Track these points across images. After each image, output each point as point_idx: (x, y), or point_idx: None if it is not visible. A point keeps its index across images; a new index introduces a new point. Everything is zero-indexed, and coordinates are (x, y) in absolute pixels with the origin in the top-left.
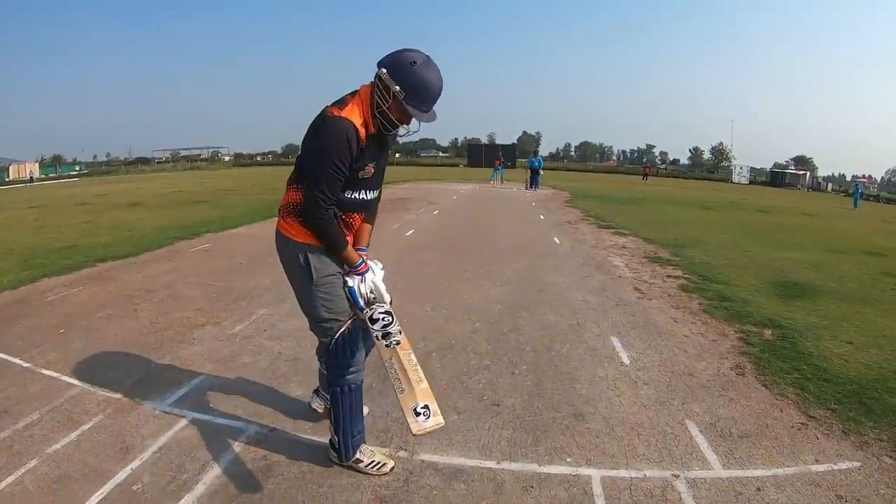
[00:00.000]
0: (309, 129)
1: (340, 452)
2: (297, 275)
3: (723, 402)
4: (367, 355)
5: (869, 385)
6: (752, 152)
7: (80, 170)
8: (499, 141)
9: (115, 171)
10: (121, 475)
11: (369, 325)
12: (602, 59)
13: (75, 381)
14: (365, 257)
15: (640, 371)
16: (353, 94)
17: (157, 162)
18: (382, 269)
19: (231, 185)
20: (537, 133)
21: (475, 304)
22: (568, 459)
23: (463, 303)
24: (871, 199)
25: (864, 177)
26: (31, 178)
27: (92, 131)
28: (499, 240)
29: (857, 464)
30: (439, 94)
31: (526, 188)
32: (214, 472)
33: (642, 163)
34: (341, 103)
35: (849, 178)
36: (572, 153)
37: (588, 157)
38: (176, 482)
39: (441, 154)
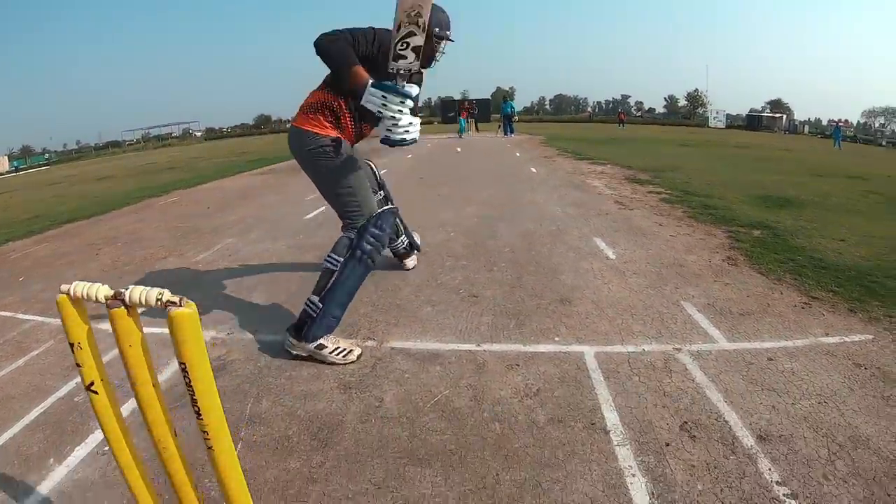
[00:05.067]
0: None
1: (310, 330)
2: (323, 165)
3: (718, 286)
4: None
5: (867, 272)
6: (729, 98)
7: (50, 158)
8: (472, 97)
9: (86, 156)
10: (64, 389)
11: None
12: (574, 10)
13: (30, 317)
14: None
15: (627, 263)
16: None
17: (128, 144)
18: None
19: (201, 154)
20: (511, 88)
21: (451, 220)
22: (556, 339)
23: (438, 220)
24: (849, 139)
25: (840, 120)
26: (17, 167)
27: (58, 120)
28: (474, 173)
29: (870, 336)
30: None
31: (499, 134)
32: (162, 378)
33: (617, 112)
34: None
35: (825, 122)
36: (547, 106)
37: (563, 110)
38: (121, 390)
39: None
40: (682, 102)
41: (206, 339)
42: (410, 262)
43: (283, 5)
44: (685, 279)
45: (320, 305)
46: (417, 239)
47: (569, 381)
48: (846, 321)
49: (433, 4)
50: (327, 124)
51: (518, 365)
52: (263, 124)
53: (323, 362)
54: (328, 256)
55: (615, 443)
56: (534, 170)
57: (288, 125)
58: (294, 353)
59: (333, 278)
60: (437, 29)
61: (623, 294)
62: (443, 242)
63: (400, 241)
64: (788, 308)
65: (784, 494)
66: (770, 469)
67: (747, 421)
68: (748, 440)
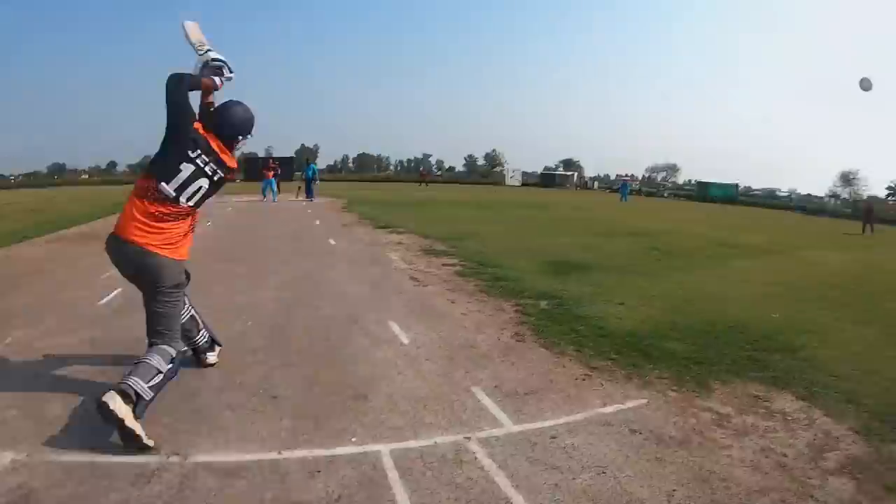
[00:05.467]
0: None
1: (139, 405)
2: (168, 285)
3: (506, 366)
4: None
5: (645, 336)
6: (525, 156)
7: None
8: (276, 154)
9: None
10: None
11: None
12: (376, 70)
13: None
14: None
15: (420, 349)
16: None
17: None
18: None
19: None
20: (315, 145)
21: (247, 305)
22: (353, 439)
23: (234, 305)
24: (635, 192)
25: (626, 175)
26: None
27: None
28: (273, 246)
29: (644, 401)
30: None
31: (300, 197)
32: None
33: (419, 170)
34: None
35: (613, 177)
36: (350, 165)
37: (366, 168)
38: None
39: None
40: (481, 161)
41: (5, 461)
42: (212, 357)
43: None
44: (475, 362)
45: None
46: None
47: (367, 484)
48: (623, 388)
49: (239, 107)
50: (183, 249)
51: (319, 471)
52: (57, 174)
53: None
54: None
55: None
56: (332, 242)
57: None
58: (112, 410)
59: (163, 375)
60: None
61: (416, 384)
62: (239, 335)
63: (200, 335)
64: (570, 382)
65: None
66: None
67: (533, 501)
68: None
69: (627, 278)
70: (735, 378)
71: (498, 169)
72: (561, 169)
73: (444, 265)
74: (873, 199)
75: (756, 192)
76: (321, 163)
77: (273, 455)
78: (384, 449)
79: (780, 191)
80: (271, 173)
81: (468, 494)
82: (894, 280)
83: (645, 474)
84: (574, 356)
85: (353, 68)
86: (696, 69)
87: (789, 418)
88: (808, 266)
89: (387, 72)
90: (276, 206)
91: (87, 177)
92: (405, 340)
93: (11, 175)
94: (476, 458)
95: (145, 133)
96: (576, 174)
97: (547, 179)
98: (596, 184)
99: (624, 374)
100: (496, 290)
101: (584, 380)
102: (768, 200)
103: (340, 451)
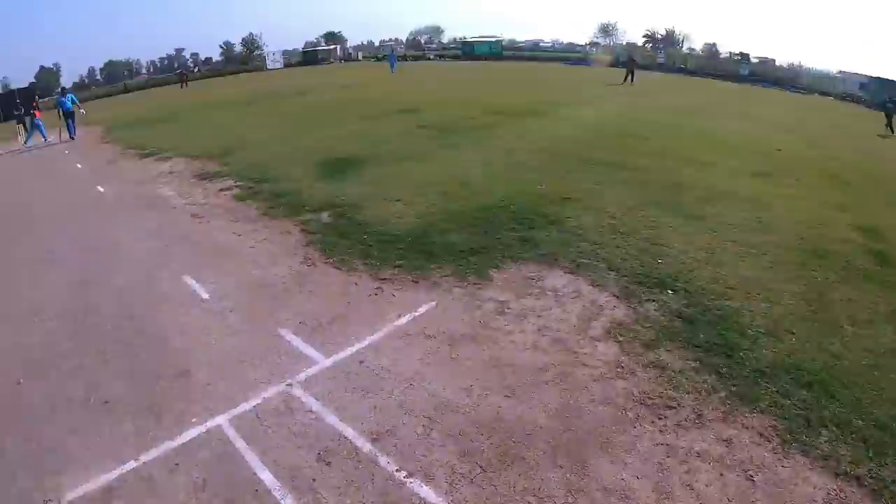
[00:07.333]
0: None
1: None
2: None
3: (304, 297)
4: None
5: (424, 233)
6: (284, 37)
7: None
8: (14, 85)
9: None
10: None
11: None
12: None
13: None
14: None
15: (221, 300)
16: None
17: None
18: None
19: None
20: (55, 65)
21: (38, 296)
22: (193, 420)
23: (25, 299)
24: (401, 59)
25: (390, 40)
26: None
27: None
28: (38, 206)
29: (433, 303)
30: None
31: (63, 138)
32: None
33: (174, 70)
34: None
35: (377, 44)
36: (98, 77)
37: (116, 78)
38: None
39: None
40: (239, 49)
41: None
42: None
43: None
44: (276, 300)
45: None
46: None
47: (224, 459)
48: (414, 295)
49: None
50: None
51: (177, 464)
52: None
53: None
54: None
55: (279, 498)
56: (101, 189)
57: None
58: None
59: None
60: None
61: (229, 343)
62: (45, 341)
63: None
64: (365, 299)
65: (405, 477)
66: (388, 462)
67: (360, 429)
68: (366, 446)
69: (402, 167)
70: (510, 262)
71: (258, 52)
72: (323, 43)
73: (220, 190)
74: (632, 47)
75: (521, 45)
76: (66, 80)
77: (132, 464)
78: (223, 420)
79: (543, 41)
80: (39, 112)
81: (308, 440)
82: (648, 130)
83: (445, 375)
84: (364, 271)
85: None
86: None
87: (560, 294)
88: (570, 126)
89: None
90: (33, 154)
91: None
92: (205, 295)
93: None
94: (303, 402)
95: None
96: (339, 47)
97: (310, 57)
98: (360, 54)
99: (411, 279)
100: (278, 211)
101: (376, 294)
102: (533, 54)
103: (187, 435)
